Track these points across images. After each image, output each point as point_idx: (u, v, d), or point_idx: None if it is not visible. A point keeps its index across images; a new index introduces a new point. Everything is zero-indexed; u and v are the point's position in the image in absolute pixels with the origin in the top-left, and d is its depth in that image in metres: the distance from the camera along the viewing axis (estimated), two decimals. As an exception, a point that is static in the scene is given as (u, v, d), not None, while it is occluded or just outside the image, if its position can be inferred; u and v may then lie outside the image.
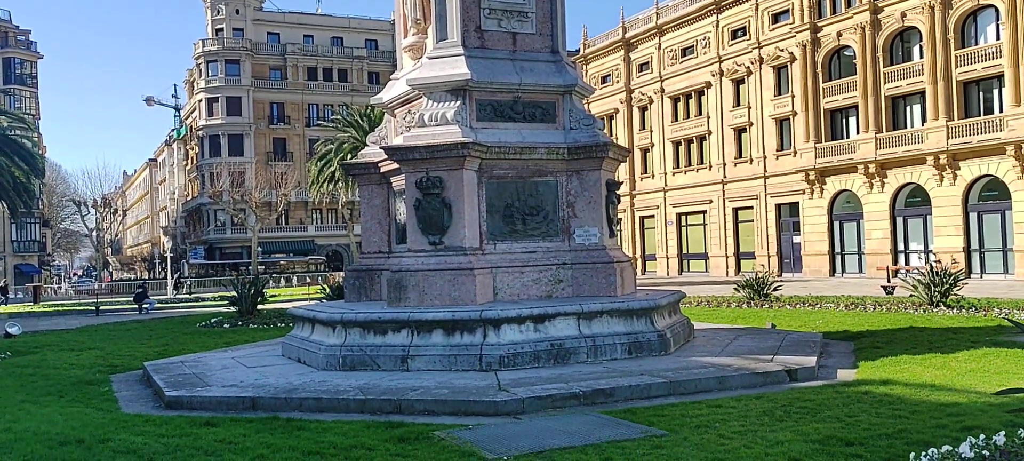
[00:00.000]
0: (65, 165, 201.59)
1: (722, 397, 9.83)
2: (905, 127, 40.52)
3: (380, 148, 14.89)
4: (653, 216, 57.52)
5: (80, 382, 13.04)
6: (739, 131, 50.12)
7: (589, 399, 9.77)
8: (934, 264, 26.09)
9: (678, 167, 54.91)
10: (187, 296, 52.22)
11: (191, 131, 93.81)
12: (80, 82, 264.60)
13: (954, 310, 19.40)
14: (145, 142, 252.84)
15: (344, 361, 12.05)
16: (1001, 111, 36.38)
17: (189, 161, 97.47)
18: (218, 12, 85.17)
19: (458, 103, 13.56)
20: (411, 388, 10.34)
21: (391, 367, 11.79)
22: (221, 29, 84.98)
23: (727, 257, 50.82)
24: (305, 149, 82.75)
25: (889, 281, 30.24)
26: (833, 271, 43.93)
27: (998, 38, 36.33)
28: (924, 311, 19.68)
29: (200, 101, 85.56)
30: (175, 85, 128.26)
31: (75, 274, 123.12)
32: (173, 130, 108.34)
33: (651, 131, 56.61)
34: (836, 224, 44.40)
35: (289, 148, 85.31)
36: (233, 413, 9.89)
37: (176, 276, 69.04)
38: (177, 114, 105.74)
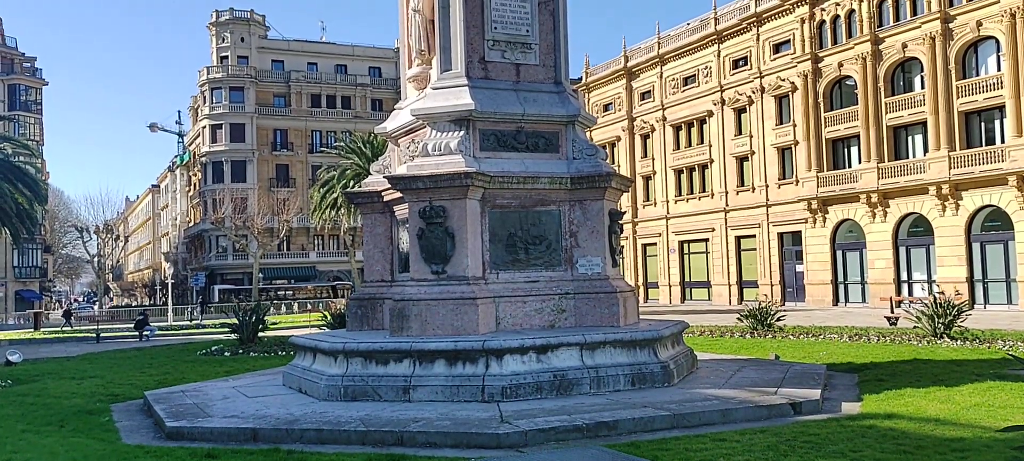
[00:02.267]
0: (68, 189, 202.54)
1: (726, 430, 9.78)
2: (907, 157, 40.58)
3: (384, 177, 14.90)
4: (655, 244, 57.47)
5: (81, 411, 12.98)
6: (741, 159, 50.21)
7: (592, 432, 9.70)
8: (937, 295, 25.99)
9: (680, 195, 54.96)
10: (188, 323, 52.10)
11: (194, 157, 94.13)
12: (85, 106, 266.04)
13: (958, 342, 19.30)
14: (148, 168, 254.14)
15: (346, 391, 11.99)
16: (1003, 141, 36.45)
17: (192, 187, 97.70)
18: (223, 40, 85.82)
19: (462, 133, 13.60)
20: (413, 419, 10.28)
21: (393, 398, 11.73)
22: (226, 56, 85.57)
23: (730, 285, 50.71)
24: (308, 175, 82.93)
25: (892, 311, 30.13)
26: (836, 300, 43.81)
27: (999, 69, 36.47)
28: (928, 343, 19.59)
29: (204, 127, 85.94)
30: (179, 111, 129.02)
31: (75, 300, 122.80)
32: (176, 156, 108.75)
33: (653, 159, 56.74)
34: (839, 253, 44.31)
35: (292, 174, 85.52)
36: (234, 444, 9.84)
37: (199, 300, 69.37)
38: (181, 140, 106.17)
